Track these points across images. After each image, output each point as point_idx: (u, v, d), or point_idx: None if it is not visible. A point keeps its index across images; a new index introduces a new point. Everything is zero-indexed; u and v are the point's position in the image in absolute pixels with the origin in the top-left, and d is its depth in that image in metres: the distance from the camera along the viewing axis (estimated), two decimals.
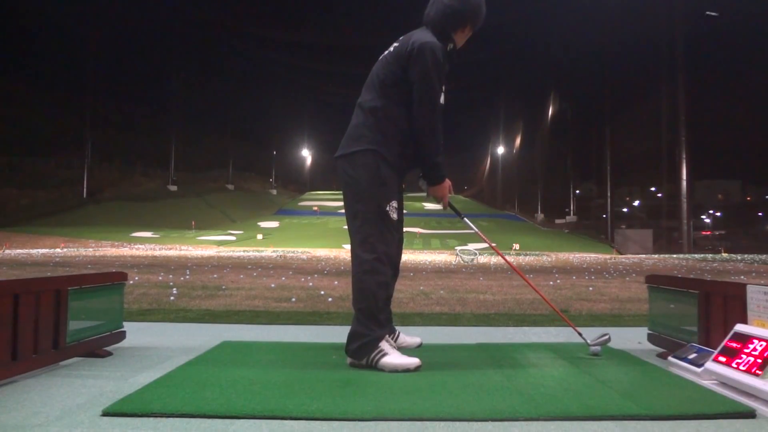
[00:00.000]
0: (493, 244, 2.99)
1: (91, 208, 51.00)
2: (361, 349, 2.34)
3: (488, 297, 6.05)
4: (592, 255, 30.40)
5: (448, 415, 1.69)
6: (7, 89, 51.82)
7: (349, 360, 2.40)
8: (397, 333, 2.77)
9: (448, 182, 2.59)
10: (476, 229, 2.99)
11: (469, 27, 2.55)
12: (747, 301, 2.21)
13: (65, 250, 26.51)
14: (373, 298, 2.37)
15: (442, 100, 2.48)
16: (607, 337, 2.63)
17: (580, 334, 2.66)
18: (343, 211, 2.57)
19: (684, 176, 42.19)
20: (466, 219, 2.88)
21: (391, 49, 2.52)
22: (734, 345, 2.11)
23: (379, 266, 2.38)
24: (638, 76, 51.32)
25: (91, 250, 27.01)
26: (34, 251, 23.79)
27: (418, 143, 2.45)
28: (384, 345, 2.36)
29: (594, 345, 2.60)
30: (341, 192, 2.55)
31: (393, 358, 2.31)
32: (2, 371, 1.98)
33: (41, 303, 2.19)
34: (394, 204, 2.46)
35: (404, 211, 2.58)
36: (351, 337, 2.39)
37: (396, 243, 2.50)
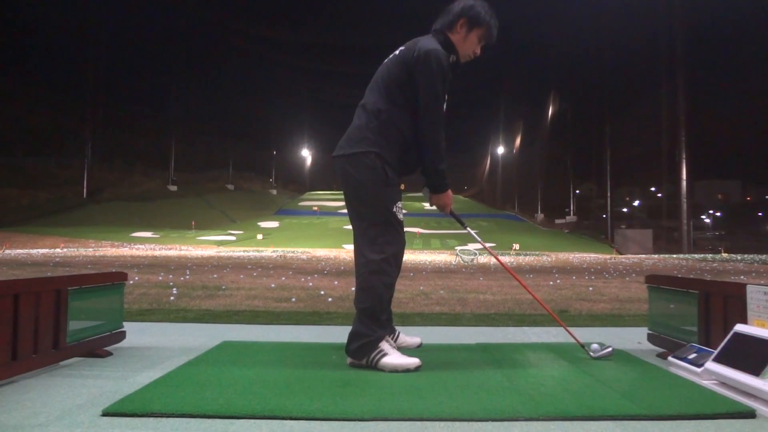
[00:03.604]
0: (495, 252, 2.99)
1: (91, 208, 51.00)
2: (362, 349, 2.34)
3: (488, 297, 6.05)
4: (592, 255, 30.40)
5: (448, 415, 1.69)
6: (7, 89, 51.81)
7: (349, 360, 2.40)
8: (397, 333, 2.77)
9: (450, 192, 2.59)
10: (480, 240, 3.02)
11: (478, 31, 2.53)
12: (747, 301, 2.21)
13: (65, 250, 26.51)
14: (379, 299, 2.37)
15: (443, 108, 2.49)
16: (610, 349, 2.57)
17: (582, 347, 2.64)
18: (343, 211, 2.57)
19: (684, 176, 42.22)
20: (469, 230, 2.86)
21: (397, 52, 2.53)
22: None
23: (386, 267, 2.38)
24: (638, 76, 51.33)
25: (91, 250, 27.01)
26: (34, 251, 23.79)
27: (422, 150, 2.45)
28: (384, 345, 2.36)
29: (596, 356, 2.57)
30: (342, 191, 2.55)
31: (393, 358, 2.31)
32: (2, 371, 1.98)
33: (41, 303, 2.19)
34: (400, 204, 2.47)
35: (404, 212, 2.58)
36: (352, 336, 2.39)
37: (404, 243, 2.51)
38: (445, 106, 2.48)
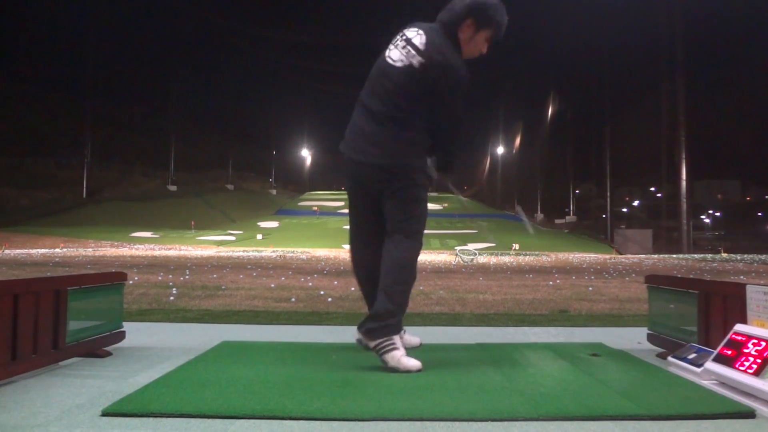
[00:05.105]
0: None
1: (91, 208, 50.99)
2: (377, 331, 2.31)
3: (488, 297, 6.05)
4: (592, 255, 30.41)
5: (448, 415, 1.68)
6: (7, 89, 51.81)
7: (356, 336, 2.45)
8: (403, 331, 2.75)
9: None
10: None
11: (485, 32, 2.42)
12: (747, 301, 2.21)
13: (65, 250, 26.50)
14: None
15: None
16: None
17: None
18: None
19: (684, 176, 42.19)
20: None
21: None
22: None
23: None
24: (638, 76, 51.40)
25: (90, 250, 27.00)
26: (34, 251, 23.78)
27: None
28: (396, 339, 2.35)
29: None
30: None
31: (400, 354, 2.29)
32: (2, 371, 1.98)
33: (41, 303, 2.18)
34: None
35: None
36: (372, 316, 2.36)
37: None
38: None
